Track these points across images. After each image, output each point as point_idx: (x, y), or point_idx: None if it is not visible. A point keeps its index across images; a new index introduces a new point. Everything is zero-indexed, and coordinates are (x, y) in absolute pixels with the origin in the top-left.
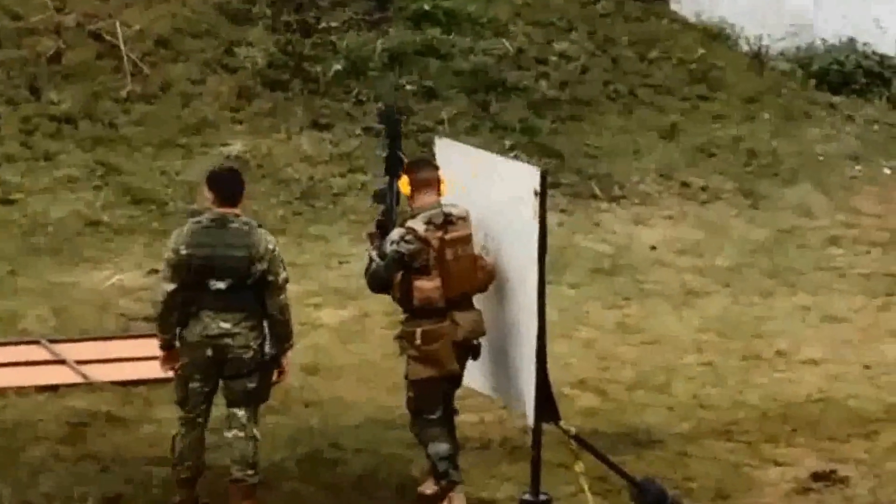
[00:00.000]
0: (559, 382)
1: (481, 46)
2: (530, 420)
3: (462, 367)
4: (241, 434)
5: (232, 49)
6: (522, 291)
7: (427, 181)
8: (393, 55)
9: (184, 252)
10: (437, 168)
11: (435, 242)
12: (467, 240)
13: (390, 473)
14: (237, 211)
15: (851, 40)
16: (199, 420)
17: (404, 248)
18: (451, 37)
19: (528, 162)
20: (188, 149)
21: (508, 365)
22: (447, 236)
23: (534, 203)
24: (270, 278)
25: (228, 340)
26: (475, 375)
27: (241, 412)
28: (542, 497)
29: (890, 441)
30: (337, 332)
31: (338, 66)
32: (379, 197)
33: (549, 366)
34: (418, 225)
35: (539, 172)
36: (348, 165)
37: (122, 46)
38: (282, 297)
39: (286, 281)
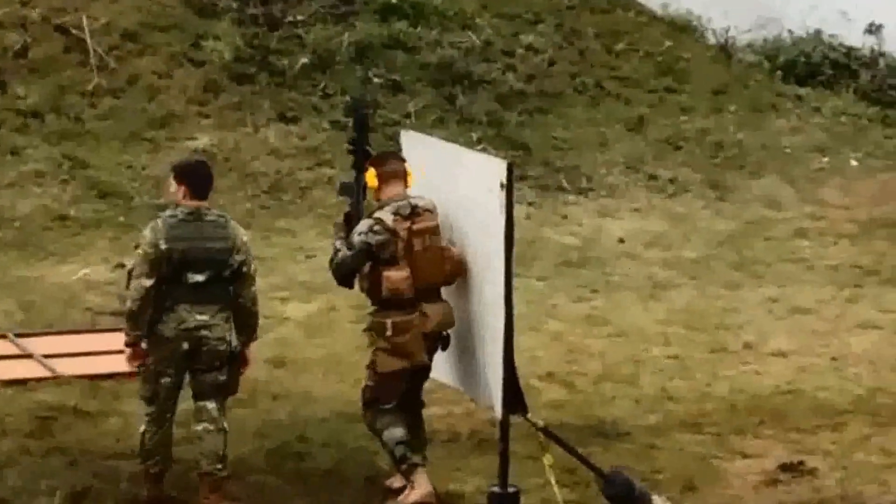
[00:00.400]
0: (527, 375)
1: (448, 39)
2: (498, 413)
3: (431, 358)
4: (212, 427)
5: (198, 43)
6: (489, 284)
7: (394, 173)
8: (359, 48)
9: (163, 247)
10: (403, 160)
11: (403, 233)
12: (435, 230)
13: (357, 466)
14: (207, 204)
15: (818, 32)
16: (168, 415)
17: (372, 238)
18: (417, 30)
19: (495, 154)
20: (155, 143)
21: (476, 357)
22: (415, 226)
23: (500, 196)
24: (245, 269)
25: (206, 332)
26: (443, 368)
27: (211, 405)
28: (511, 489)
29: (857, 432)
30: (304, 325)
31: (304, 60)
32: (345, 190)
33: (516, 358)
34: (386, 215)
35: (506, 165)
36: (315, 159)
37: (88, 40)
38: (254, 287)
39: (255, 272)
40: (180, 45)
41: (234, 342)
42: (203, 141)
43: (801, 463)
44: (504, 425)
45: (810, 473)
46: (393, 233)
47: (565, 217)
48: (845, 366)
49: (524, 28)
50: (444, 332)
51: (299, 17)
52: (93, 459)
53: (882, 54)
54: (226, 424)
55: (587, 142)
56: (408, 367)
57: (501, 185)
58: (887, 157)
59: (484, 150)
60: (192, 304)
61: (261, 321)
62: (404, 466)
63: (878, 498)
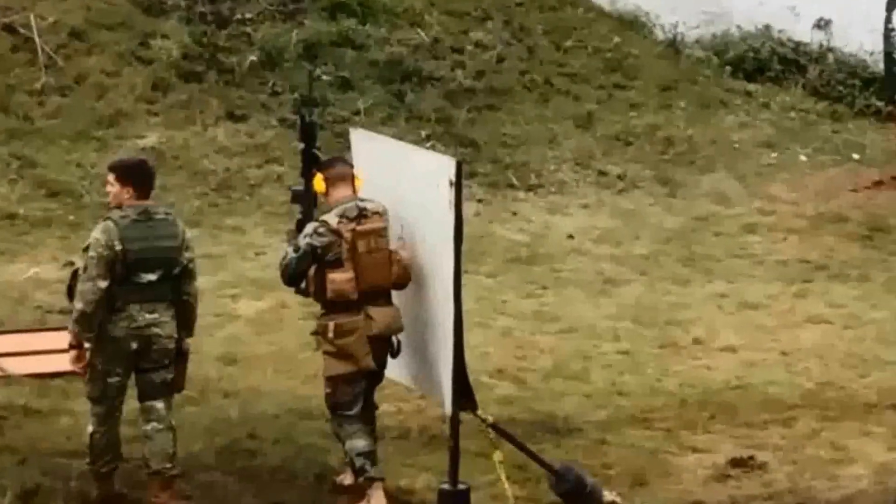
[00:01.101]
0: (476, 371)
1: (397, 37)
2: (448, 409)
3: (380, 363)
4: (161, 426)
5: (147, 41)
6: (439, 281)
7: (341, 176)
8: (308, 46)
9: (118, 248)
10: (350, 164)
11: (347, 235)
12: (381, 233)
13: (307, 463)
14: (152, 202)
15: (767, 27)
16: (116, 414)
17: (317, 240)
18: (366, 27)
19: (444, 152)
20: (103, 141)
21: (426, 354)
22: (359, 228)
23: (449, 193)
24: (191, 266)
25: (157, 330)
26: (394, 366)
27: (159, 404)
28: (461, 486)
29: (807, 427)
30: (254, 322)
31: (253, 58)
32: (296, 197)
33: (466, 355)
34: (331, 218)
35: (455, 163)
36: (264, 157)
37: (36, 39)
38: (196, 283)
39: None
40: (128, 43)
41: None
42: (152, 139)
43: (751, 457)
44: (454, 422)
45: (760, 468)
46: (337, 234)
47: (515, 214)
48: (795, 360)
49: (473, 25)
50: (395, 339)
51: (247, 15)
52: (43, 458)
53: (830, 49)
54: (174, 422)
55: (536, 138)
56: (354, 371)
57: (451, 183)
58: (836, 153)
59: (433, 147)
60: (142, 304)
61: (211, 319)
62: (361, 479)
63: (827, 492)
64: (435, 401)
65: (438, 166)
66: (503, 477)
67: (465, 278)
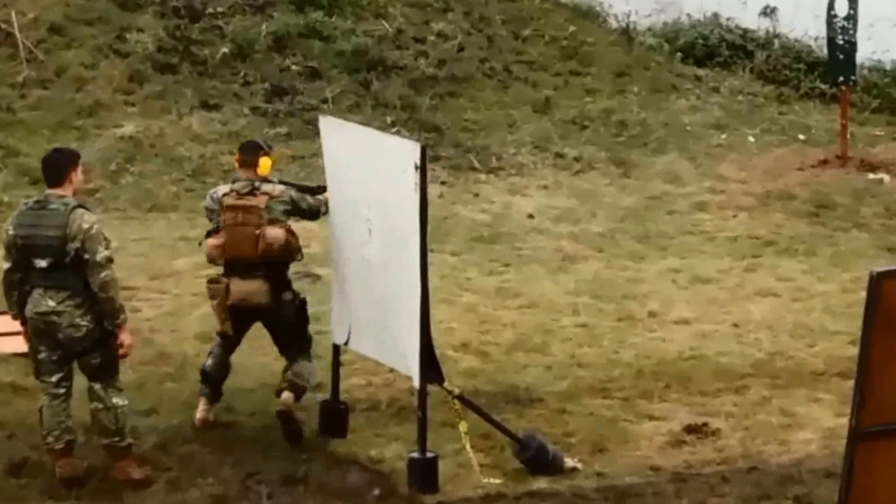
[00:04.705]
0: (442, 345)
1: (362, 28)
2: (416, 382)
3: (238, 332)
4: (101, 406)
5: (123, 35)
6: (406, 260)
7: (245, 161)
8: (278, 38)
9: (11, 232)
10: (257, 150)
11: (224, 206)
12: (253, 210)
13: (282, 434)
14: (61, 192)
15: (715, 15)
16: (60, 391)
17: (208, 203)
18: (332, 19)
19: (409, 137)
20: (83, 131)
21: (394, 330)
22: (231, 202)
23: (415, 176)
24: (87, 257)
25: (55, 318)
26: (364, 340)
27: (97, 386)
28: (429, 455)
29: (757, 394)
30: None
31: (225, 50)
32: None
33: (432, 330)
34: (221, 189)
35: (419, 147)
36: (237, 143)
37: (17, 34)
38: (102, 274)
39: (108, 259)
40: (105, 37)
41: (105, 325)
42: (129, 128)
43: (704, 424)
44: (422, 394)
45: (713, 434)
46: (219, 204)
47: (477, 195)
48: (745, 332)
49: (434, 16)
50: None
51: (219, 9)
52: (30, 433)
53: (777, 35)
54: (117, 401)
55: (496, 123)
56: (218, 331)
57: (415, 167)
58: (782, 133)
59: (398, 133)
60: (43, 290)
61: (189, 298)
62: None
63: (777, 456)
64: (403, 374)
65: (403, 151)
66: (468, 446)
67: (430, 257)
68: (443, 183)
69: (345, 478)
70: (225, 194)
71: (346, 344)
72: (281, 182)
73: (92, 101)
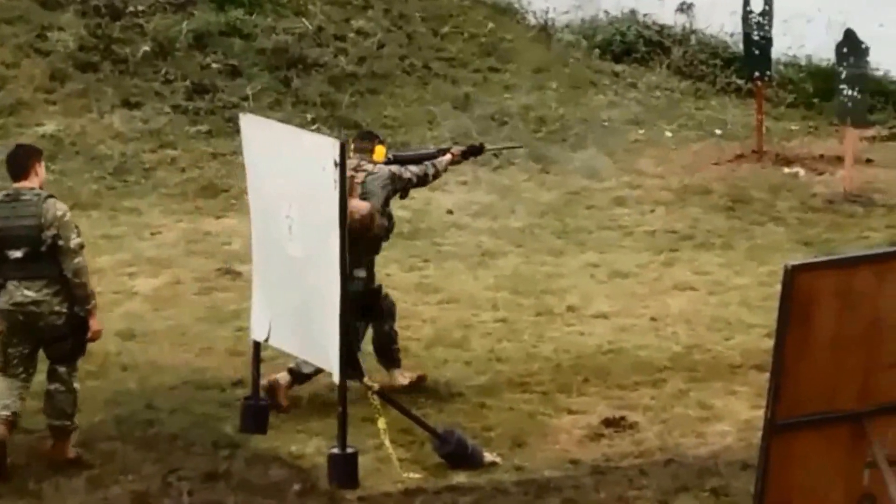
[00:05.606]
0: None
1: (282, 26)
2: (336, 377)
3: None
4: (63, 388)
5: (44, 34)
6: (326, 257)
7: (362, 148)
8: (198, 36)
9: None
10: (373, 139)
11: None
12: (353, 186)
13: (204, 431)
14: (29, 184)
15: (633, 12)
16: (25, 380)
17: None
18: (253, 17)
19: (329, 134)
20: (5, 129)
21: (314, 326)
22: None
23: (334, 173)
24: (61, 243)
25: (34, 308)
26: (285, 337)
27: (62, 369)
28: (349, 450)
29: (675, 388)
30: (151, 299)
31: (146, 48)
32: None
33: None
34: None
35: (338, 144)
36: (158, 141)
37: None
38: (76, 260)
39: (80, 245)
40: (26, 36)
41: (77, 311)
42: (50, 127)
43: (622, 418)
44: (341, 389)
45: (632, 427)
46: None
47: None
48: (663, 325)
49: (354, 14)
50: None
51: (140, 8)
52: None
53: (693, 31)
54: (77, 385)
55: (416, 120)
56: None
57: (335, 163)
58: (699, 129)
59: (318, 130)
60: (19, 280)
61: (110, 296)
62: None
63: (695, 449)
64: (324, 370)
65: (323, 148)
66: (387, 441)
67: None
68: None
69: (266, 473)
70: None
71: (266, 340)
72: (396, 155)
73: (13, 100)
